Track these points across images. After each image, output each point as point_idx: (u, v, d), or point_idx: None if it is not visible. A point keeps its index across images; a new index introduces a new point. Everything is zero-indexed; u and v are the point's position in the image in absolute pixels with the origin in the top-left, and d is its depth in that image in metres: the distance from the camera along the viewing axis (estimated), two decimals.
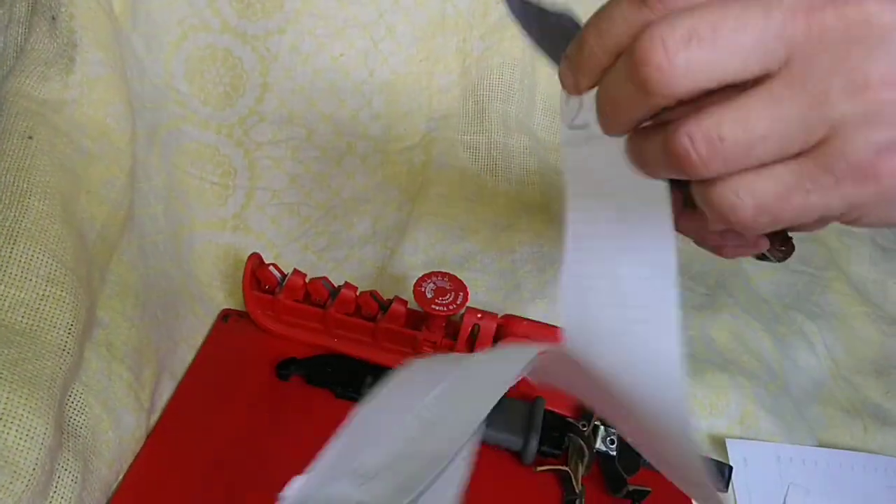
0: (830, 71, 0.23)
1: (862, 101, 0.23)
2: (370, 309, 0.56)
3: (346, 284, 0.56)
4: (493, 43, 0.69)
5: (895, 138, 0.23)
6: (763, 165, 0.24)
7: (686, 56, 0.23)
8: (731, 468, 0.53)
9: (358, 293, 0.56)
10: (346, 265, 0.65)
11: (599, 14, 0.26)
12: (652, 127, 0.26)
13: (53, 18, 0.48)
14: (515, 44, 0.69)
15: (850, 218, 0.26)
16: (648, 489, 0.50)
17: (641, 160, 0.27)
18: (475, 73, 0.69)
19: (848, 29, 0.23)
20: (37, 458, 0.35)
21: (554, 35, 0.33)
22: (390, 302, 0.56)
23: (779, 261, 0.40)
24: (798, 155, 0.24)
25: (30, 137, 0.44)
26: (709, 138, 0.23)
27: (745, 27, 0.23)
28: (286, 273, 0.57)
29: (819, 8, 0.23)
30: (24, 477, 0.35)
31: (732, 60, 0.23)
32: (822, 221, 0.26)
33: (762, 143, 0.23)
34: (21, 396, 0.36)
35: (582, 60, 0.27)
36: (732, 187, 0.24)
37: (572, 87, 0.28)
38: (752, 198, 0.24)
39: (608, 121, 0.27)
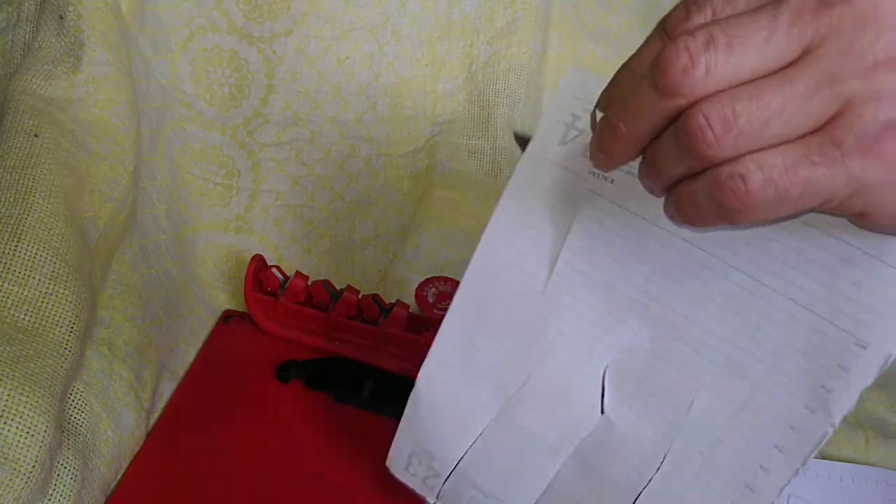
0: (841, 53, 0.24)
1: (871, 79, 0.24)
2: (372, 313, 0.56)
3: (349, 288, 0.56)
4: (500, 48, 0.69)
5: None
6: (774, 145, 0.25)
7: (706, 58, 0.25)
8: None
9: (360, 297, 0.56)
10: (348, 268, 0.65)
11: (631, 57, 0.29)
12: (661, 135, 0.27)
13: (61, 17, 0.48)
14: (522, 49, 0.69)
15: (859, 205, 0.26)
16: None
17: (651, 164, 0.28)
18: (481, 78, 0.69)
19: (856, 17, 0.24)
20: (37, 456, 0.35)
21: None
22: (392, 306, 0.56)
23: None
24: (808, 133, 0.25)
25: (35, 135, 0.44)
26: (723, 115, 0.25)
27: (755, 31, 0.25)
28: (288, 275, 0.57)
29: (826, 4, 0.25)
30: (24, 474, 0.35)
31: (748, 60, 0.25)
32: (828, 205, 0.26)
33: (776, 119, 0.24)
34: (22, 394, 0.36)
35: (612, 90, 0.29)
36: (742, 161, 0.25)
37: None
38: (760, 169, 0.25)
39: (621, 133, 0.28)
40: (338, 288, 0.57)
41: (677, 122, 0.26)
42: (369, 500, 0.48)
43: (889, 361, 0.30)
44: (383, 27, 0.64)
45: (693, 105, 0.25)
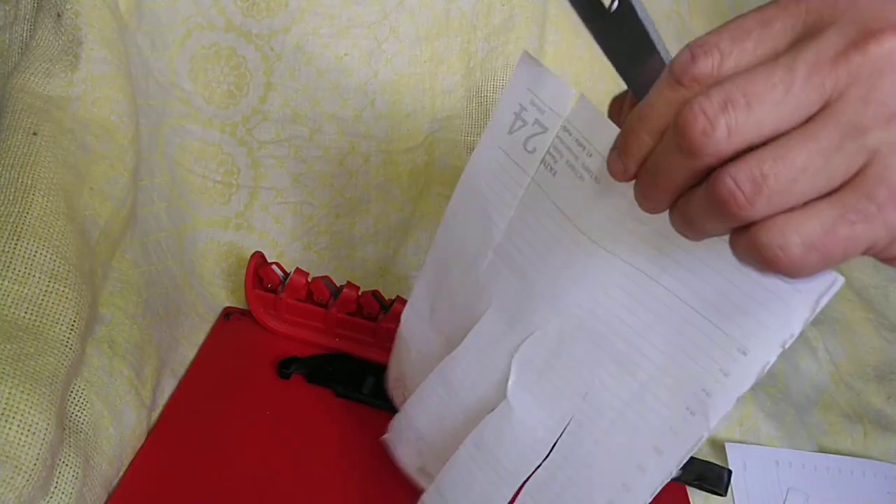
0: (863, 102, 0.24)
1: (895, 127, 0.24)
2: (372, 309, 0.56)
3: (349, 284, 0.56)
4: (498, 44, 0.69)
5: None
6: (806, 204, 0.25)
7: (725, 119, 0.24)
8: (730, 472, 0.53)
9: (360, 293, 0.56)
10: (348, 265, 0.65)
11: (641, 104, 0.28)
12: (693, 188, 0.27)
13: (59, 15, 0.48)
14: (520, 46, 0.69)
15: (895, 250, 0.26)
16: None
17: (687, 220, 0.28)
18: (479, 75, 0.69)
19: (874, 64, 0.24)
20: (38, 454, 0.36)
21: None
22: (392, 302, 0.56)
23: None
24: (839, 189, 0.25)
25: (34, 134, 0.44)
26: (752, 177, 0.24)
27: (772, 86, 0.24)
28: (288, 272, 0.57)
29: (843, 54, 0.24)
30: (25, 472, 0.35)
31: (768, 117, 0.24)
32: (869, 252, 0.26)
33: (803, 176, 0.24)
34: (23, 392, 0.36)
35: (629, 145, 0.28)
36: (779, 229, 0.25)
37: (621, 173, 0.30)
38: (799, 236, 0.25)
39: (654, 191, 0.28)
40: (338, 284, 0.57)
41: (707, 184, 0.26)
42: (370, 494, 0.48)
43: (765, 369, 0.31)
44: (381, 24, 0.64)
45: (721, 168, 0.25)
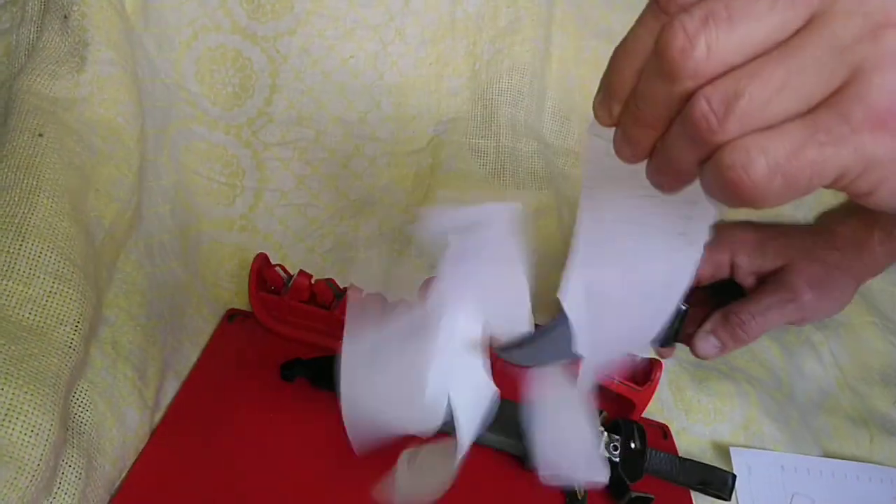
0: (849, 14, 0.23)
1: (883, 40, 0.22)
2: None
3: (352, 286, 0.56)
4: (503, 47, 0.69)
5: None
6: (779, 124, 0.23)
7: (705, 36, 0.23)
8: (734, 477, 0.53)
9: None
10: (352, 267, 0.65)
11: (624, 39, 0.27)
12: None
13: (65, 17, 0.49)
14: (525, 48, 0.69)
15: (868, 184, 0.24)
16: (651, 496, 0.49)
17: (665, 158, 0.26)
18: (484, 77, 0.69)
19: None
20: (41, 454, 0.36)
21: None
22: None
23: None
24: (815, 108, 0.23)
25: (40, 135, 0.44)
26: (725, 96, 0.23)
27: (755, 1, 0.23)
28: (292, 274, 0.57)
29: None
30: (29, 472, 0.35)
31: (751, 31, 0.23)
32: (838, 183, 0.24)
33: (779, 95, 0.23)
34: (27, 393, 0.36)
35: (614, 83, 0.27)
36: (744, 148, 0.23)
37: (607, 116, 0.28)
38: (764, 157, 0.23)
39: (635, 129, 0.27)
40: (341, 286, 0.57)
41: (683, 114, 0.24)
42: (373, 498, 0.48)
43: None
44: (387, 26, 0.64)
45: (697, 89, 0.24)
